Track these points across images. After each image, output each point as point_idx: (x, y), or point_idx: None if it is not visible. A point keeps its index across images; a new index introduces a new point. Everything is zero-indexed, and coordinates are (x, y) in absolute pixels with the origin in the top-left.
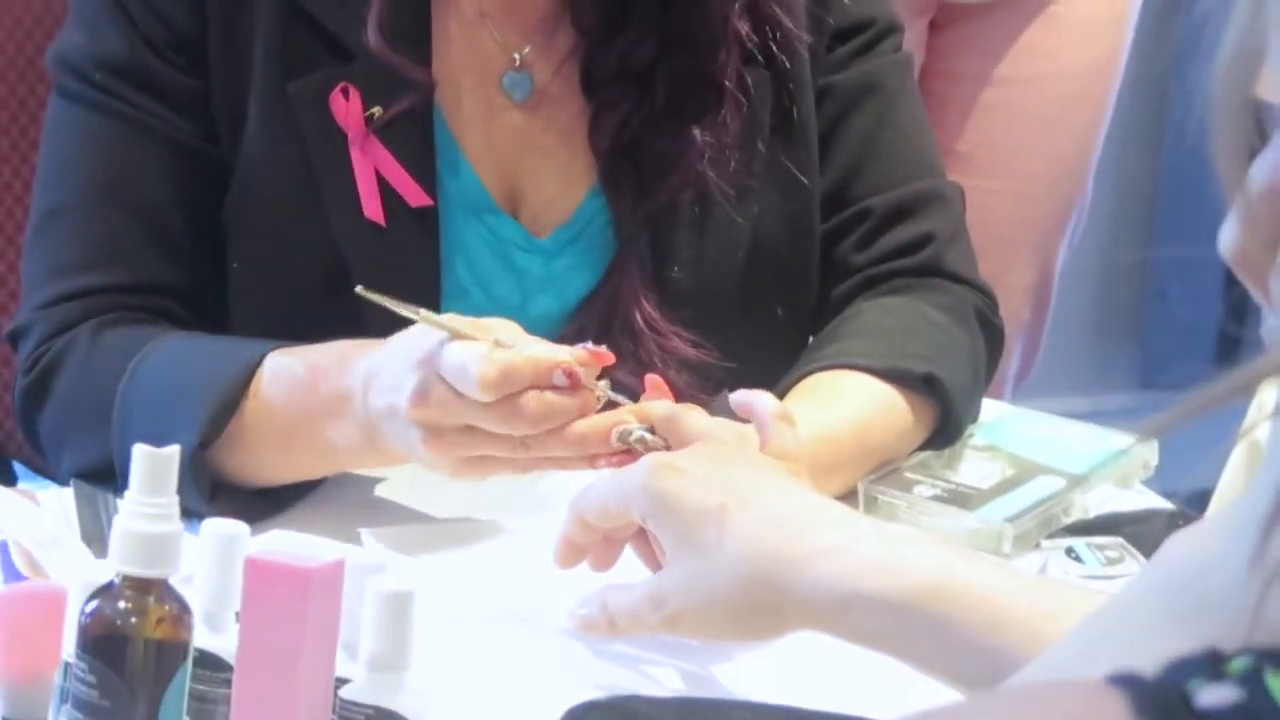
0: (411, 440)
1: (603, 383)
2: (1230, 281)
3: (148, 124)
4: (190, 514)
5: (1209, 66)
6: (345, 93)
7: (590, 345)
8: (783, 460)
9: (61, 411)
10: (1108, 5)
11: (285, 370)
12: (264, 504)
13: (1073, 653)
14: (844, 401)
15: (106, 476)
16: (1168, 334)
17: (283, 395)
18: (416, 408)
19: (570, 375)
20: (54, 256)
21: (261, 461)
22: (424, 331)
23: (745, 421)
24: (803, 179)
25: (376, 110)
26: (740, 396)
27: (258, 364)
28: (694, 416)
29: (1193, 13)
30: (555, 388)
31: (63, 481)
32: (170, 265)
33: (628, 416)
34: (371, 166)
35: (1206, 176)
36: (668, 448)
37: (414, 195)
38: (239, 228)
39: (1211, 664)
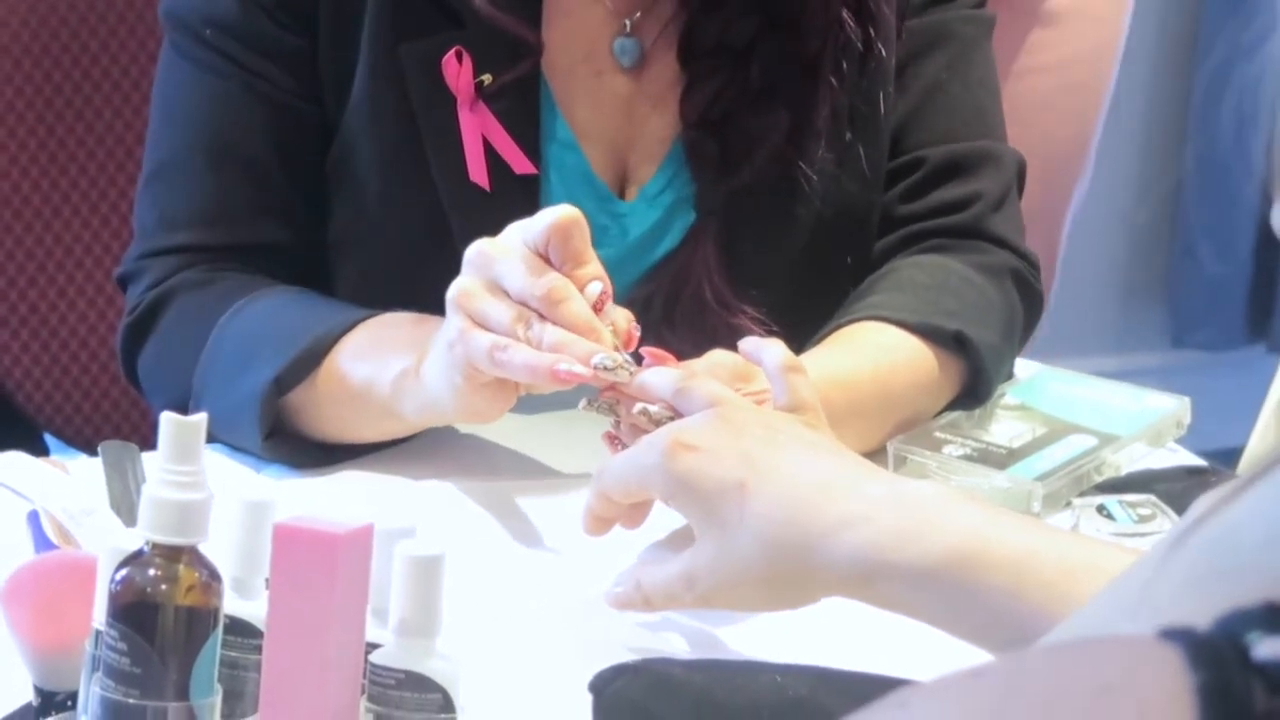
0: (448, 332)
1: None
2: (1260, 239)
3: (255, 83)
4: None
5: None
6: (459, 56)
7: (634, 322)
8: (797, 413)
9: (160, 348)
10: None
11: (368, 338)
12: (315, 455)
13: (1103, 611)
14: (864, 348)
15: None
16: (1197, 292)
17: (356, 361)
18: (459, 289)
19: (603, 295)
20: (163, 209)
21: (327, 417)
22: None
23: None
24: (878, 168)
25: (487, 77)
26: (748, 346)
27: (352, 325)
28: (700, 382)
29: None
30: None
31: (163, 410)
32: (274, 225)
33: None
34: (478, 131)
35: (1235, 133)
36: (673, 418)
37: (519, 163)
38: (341, 188)
39: (1270, 616)
